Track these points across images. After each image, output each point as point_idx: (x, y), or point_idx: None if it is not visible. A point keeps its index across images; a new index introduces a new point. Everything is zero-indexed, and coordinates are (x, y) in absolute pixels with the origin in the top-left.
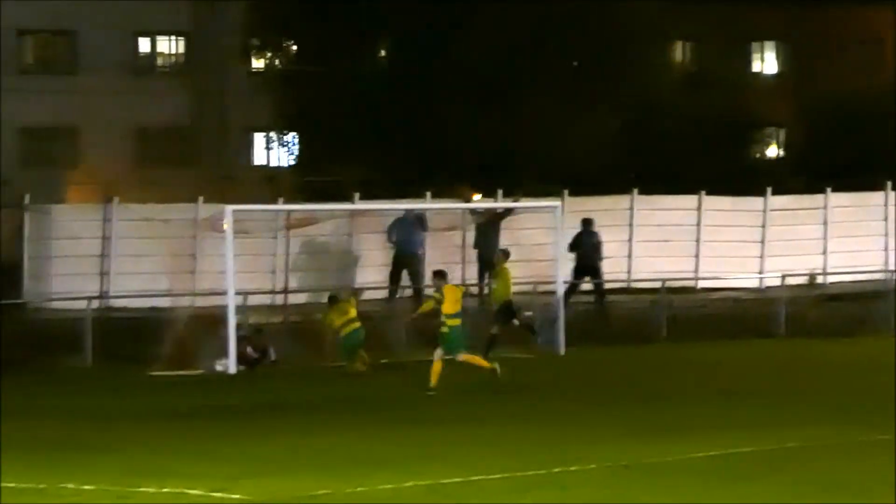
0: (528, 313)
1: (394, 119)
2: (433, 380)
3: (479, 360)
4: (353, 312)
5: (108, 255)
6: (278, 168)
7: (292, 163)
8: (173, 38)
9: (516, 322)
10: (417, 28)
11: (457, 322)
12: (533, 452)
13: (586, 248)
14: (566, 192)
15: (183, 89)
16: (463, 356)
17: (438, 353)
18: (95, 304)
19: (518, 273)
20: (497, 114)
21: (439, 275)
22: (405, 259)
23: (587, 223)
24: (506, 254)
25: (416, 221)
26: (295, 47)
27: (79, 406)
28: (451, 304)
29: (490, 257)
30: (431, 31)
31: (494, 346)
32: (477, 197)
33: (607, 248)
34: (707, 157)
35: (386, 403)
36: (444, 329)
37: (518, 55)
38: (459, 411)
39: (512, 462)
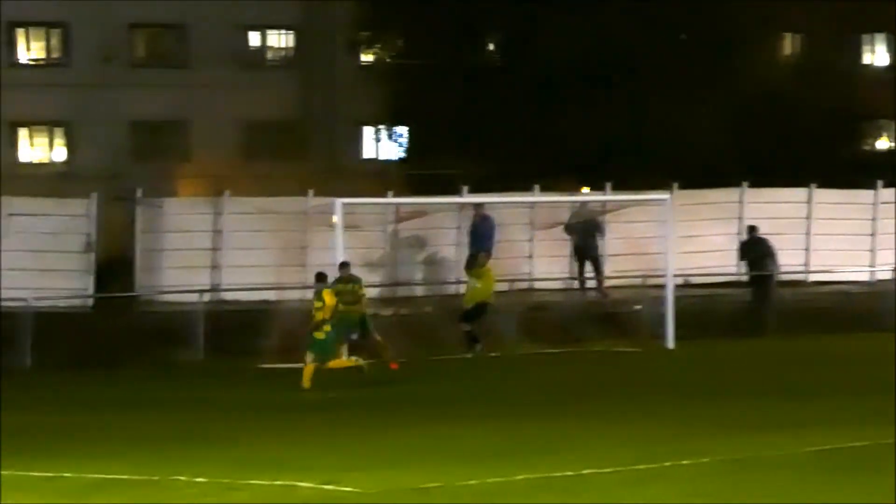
0: (638, 307)
1: (502, 112)
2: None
3: (344, 363)
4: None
5: (219, 248)
6: (387, 161)
7: (401, 156)
8: (283, 31)
9: (466, 326)
10: (526, 20)
11: (329, 329)
12: (644, 446)
13: (755, 255)
14: (676, 184)
15: (292, 83)
16: (331, 363)
17: (310, 358)
18: (207, 297)
19: (628, 266)
20: (607, 106)
21: (319, 277)
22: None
23: (752, 229)
24: (488, 254)
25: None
26: (403, 40)
27: (191, 398)
28: (330, 310)
29: (592, 255)
30: (540, 23)
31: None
32: (585, 191)
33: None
34: (817, 149)
35: (495, 397)
36: (320, 335)
37: (629, 47)
38: (569, 406)
39: (623, 456)
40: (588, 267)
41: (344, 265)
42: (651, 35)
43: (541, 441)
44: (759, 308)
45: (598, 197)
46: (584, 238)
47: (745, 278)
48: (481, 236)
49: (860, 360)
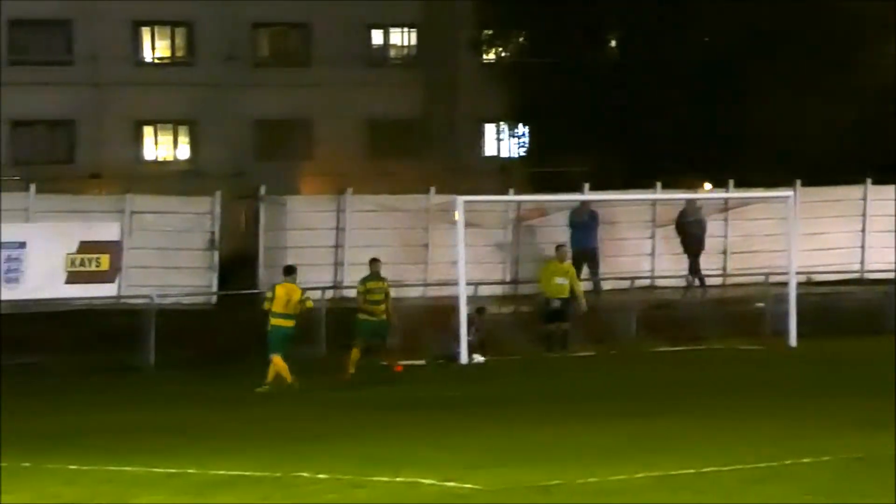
0: (760, 304)
1: (624, 109)
2: (270, 377)
3: (281, 370)
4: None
5: (341, 245)
6: (508, 159)
7: (522, 154)
8: (405, 30)
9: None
10: (648, 19)
11: (281, 322)
12: (765, 444)
13: None
14: (799, 181)
15: (414, 81)
16: (273, 357)
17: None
18: (329, 294)
19: (750, 263)
20: (729, 104)
21: (287, 270)
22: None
23: None
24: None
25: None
26: (525, 38)
27: (312, 396)
28: (279, 304)
29: (695, 252)
30: (662, 21)
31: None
32: (707, 187)
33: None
34: None
35: (615, 395)
36: (268, 327)
37: (750, 45)
38: (689, 404)
39: (744, 454)
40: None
41: (374, 261)
42: (774, 30)
43: (662, 439)
44: None
45: (720, 194)
46: (691, 236)
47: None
48: (584, 231)
49: None
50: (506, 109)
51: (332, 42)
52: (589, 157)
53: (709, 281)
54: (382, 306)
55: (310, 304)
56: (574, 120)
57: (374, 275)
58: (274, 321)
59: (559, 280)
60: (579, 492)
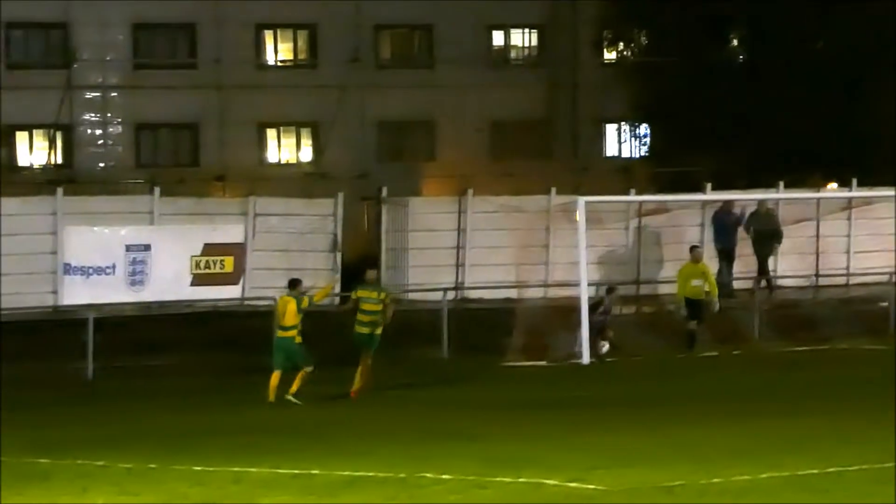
0: (884, 303)
1: (746, 108)
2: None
3: (273, 383)
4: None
5: (462, 246)
6: (630, 159)
7: (644, 154)
8: (526, 30)
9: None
10: (772, 17)
11: (284, 335)
12: (889, 444)
13: None
14: None
15: (536, 82)
16: (275, 372)
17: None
18: (451, 295)
19: (875, 263)
20: (853, 101)
21: (292, 284)
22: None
23: None
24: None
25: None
26: (647, 38)
27: (436, 396)
28: (285, 316)
29: (764, 255)
30: (787, 19)
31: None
32: (832, 186)
33: None
34: None
35: (740, 396)
36: (274, 339)
37: (876, 43)
38: (815, 404)
39: (870, 454)
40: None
41: (370, 269)
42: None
43: (786, 439)
44: None
45: (843, 193)
46: (761, 239)
47: None
48: (722, 230)
49: None
50: (627, 109)
51: (454, 43)
52: (711, 157)
53: (832, 280)
54: (376, 317)
55: (316, 298)
56: (696, 119)
57: (369, 283)
58: (279, 333)
59: (695, 282)
60: (704, 492)
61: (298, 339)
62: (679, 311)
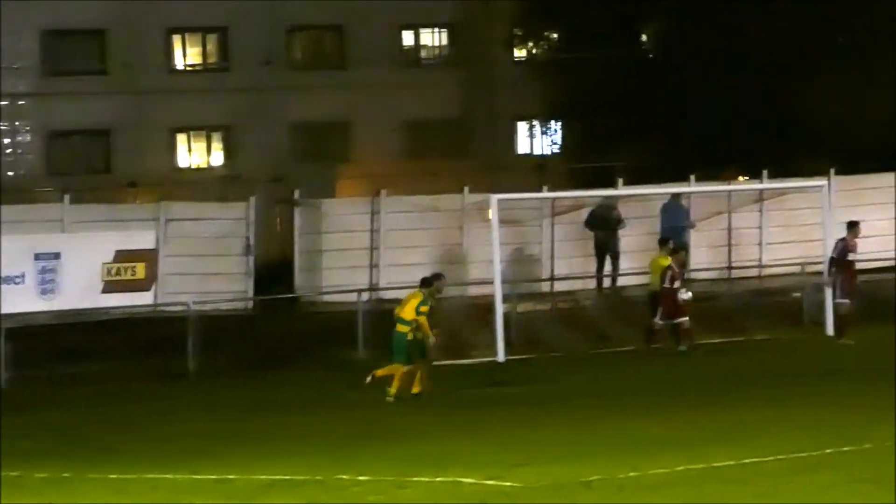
0: (797, 294)
1: (658, 103)
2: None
3: (390, 372)
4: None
5: (377, 247)
6: (543, 156)
7: (557, 151)
8: (437, 30)
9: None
10: (681, 10)
11: (400, 329)
12: (805, 434)
13: None
14: (833, 170)
15: (449, 81)
16: (393, 366)
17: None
18: (366, 296)
19: (787, 254)
20: (763, 95)
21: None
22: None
23: None
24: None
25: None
26: (558, 35)
27: (353, 397)
28: (405, 310)
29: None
30: (694, 13)
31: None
32: (742, 179)
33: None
34: None
35: (658, 389)
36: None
37: (789, 37)
38: (732, 395)
39: (785, 444)
40: (608, 264)
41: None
42: (809, 18)
43: (703, 431)
44: None
45: (755, 185)
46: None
47: None
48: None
49: None
50: (541, 106)
51: (366, 44)
52: (624, 152)
53: (745, 273)
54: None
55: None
56: (609, 115)
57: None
58: (398, 327)
59: None
60: (622, 486)
61: (410, 336)
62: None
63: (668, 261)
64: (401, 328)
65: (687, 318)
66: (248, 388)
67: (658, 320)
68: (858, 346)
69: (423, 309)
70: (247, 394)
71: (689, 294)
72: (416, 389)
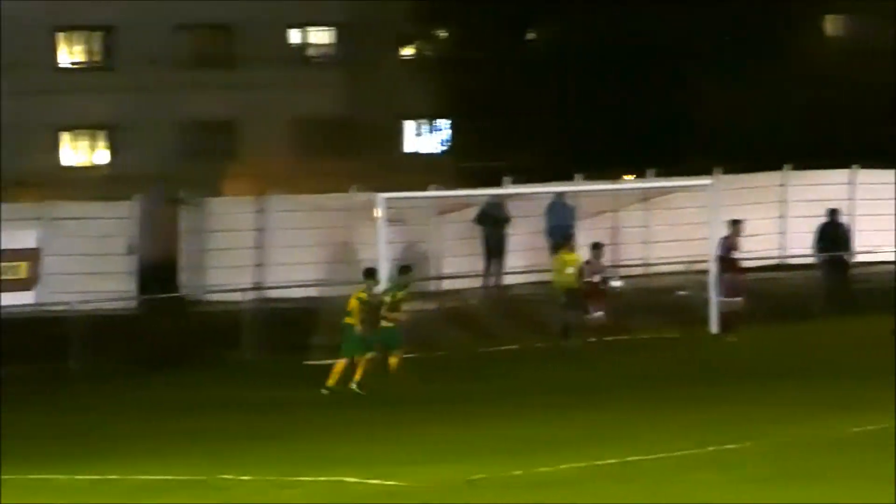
0: (682, 292)
1: (546, 102)
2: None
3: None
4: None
5: (262, 246)
6: (432, 155)
7: (447, 149)
8: (325, 29)
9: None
10: (569, 9)
11: (348, 320)
12: (689, 433)
13: (833, 238)
14: (719, 169)
15: (337, 80)
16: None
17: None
18: (252, 295)
19: (673, 252)
20: (650, 95)
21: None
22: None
23: (833, 213)
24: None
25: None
26: (448, 34)
27: (238, 397)
28: (350, 301)
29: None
30: (583, 11)
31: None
32: (628, 178)
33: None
34: (862, 130)
35: (542, 388)
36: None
37: (674, 36)
38: (616, 394)
39: (668, 443)
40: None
41: (407, 270)
42: (695, 19)
43: (588, 430)
44: (839, 289)
45: (641, 184)
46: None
47: (808, 261)
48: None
49: None
50: (430, 105)
51: (254, 43)
52: (512, 151)
53: (632, 271)
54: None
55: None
56: (496, 114)
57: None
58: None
59: (570, 270)
60: (506, 485)
61: (359, 327)
62: (559, 299)
63: (572, 257)
64: (348, 320)
65: (603, 314)
66: (132, 388)
67: (593, 314)
68: (743, 344)
69: (361, 295)
70: (131, 394)
71: (620, 282)
72: (356, 377)
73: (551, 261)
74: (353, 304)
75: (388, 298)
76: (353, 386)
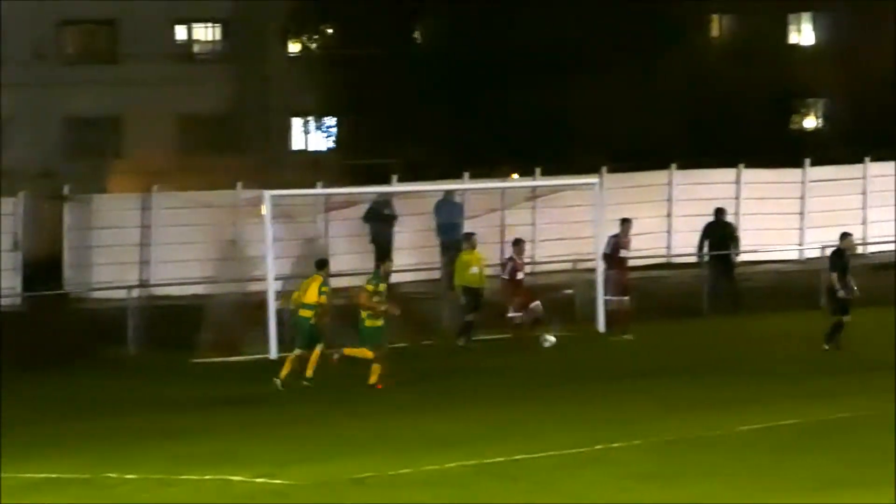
0: (569, 291)
1: (434, 100)
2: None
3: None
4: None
5: (149, 243)
6: (320, 152)
7: (335, 146)
8: (211, 25)
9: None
10: (457, 10)
11: (304, 314)
12: (577, 431)
13: (719, 236)
14: (605, 168)
15: (223, 76)
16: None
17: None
18: (137, 292)
19: (559, 251)
20: (538, 92)
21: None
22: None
23: (719, 212)
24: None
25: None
26: (333, 31)
27: (124, 395)
28: (306, 294)
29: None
30: (473, 11)
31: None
32: (515, 176)
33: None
34: (748, 129)
35: (431, 386)
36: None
37: (562, 34)
38: (505, 392)
39: (555, 441)
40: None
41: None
42: (581, 18)
43: (476, 428)
44: (726, 287)
45: (528, 182)
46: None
47: (694, 259)
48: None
49: (792, 338)
50: (317, 102)
51: (139, 38)
52: (400, 149)
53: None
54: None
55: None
56: (384, 112)
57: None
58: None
59: (473, 270)
60: (393, 483)
61: (314, 321)
62: (459, 299)
63: (475, 256)
64: (304, 313)
65: (539, 303)
66: (16, 385)
67: (513, 313)
68: (631, 342)
69: (325, 290)
70: (14, 392)
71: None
72: (308, 373)
73: (441, 259)
74: (314, 296)
75: (370, 288)
76: (305, 382)
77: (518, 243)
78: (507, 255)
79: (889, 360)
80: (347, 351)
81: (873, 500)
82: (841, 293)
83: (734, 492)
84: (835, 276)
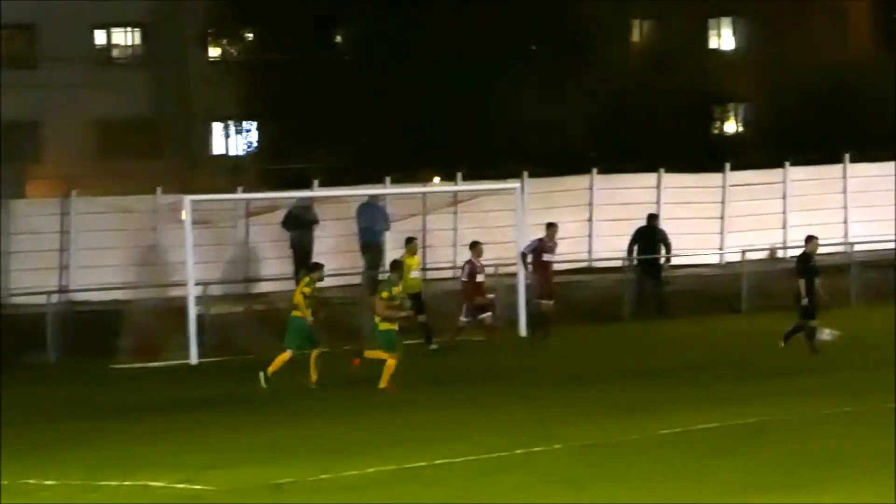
0: (491, 295)
1: (354, 105)
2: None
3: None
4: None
5: (66, 249)
6: (240, 157)
7: (255, 151)
8: (129, 29)
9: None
10: (378, 14)
11: (296, 314)
12: (498, 435)
13: (649, 241)
14: (526, 173)
15: (143, 81)
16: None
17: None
18: (56, 298)
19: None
20: (459, 97)
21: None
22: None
23: (651, 217)
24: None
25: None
26: (254, 36)
27: (41, 401)
28: (295, 295)
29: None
30: (393, 16)
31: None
32: (436, 181)
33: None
34: (669, 134)
35: (351, 391)
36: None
37: (482, 39)
38: (423, 396)
39: (477, 445)
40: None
41: (397, 268)
42: (501, 23)
43: (397, 433)
44: (652, 291)
45: (449, 188)
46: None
47: (616, 264)
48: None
49: (712, 342)
50: (236, 107)
51: (58, 43)
52: (321, 153)
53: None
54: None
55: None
56: (304, 116)
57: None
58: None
59: (414, 274)
60: (312, 488)
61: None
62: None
63: (415, 260)
64: (295, 313)
65: (490, 314)
66: None
67: (464, 318)
68: (553, 346)
69: (305, 290)
70: None
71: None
72: (313, 377)
73: (363, 261)
74: (298, 297)
75: (385, 295)
76: (311, 384)
77: (475, 245)
78: (465, 259)
79: (807, 365)
80: (368, 353)
81: (791, 502)
82: (804, 301)
83: (652, 495)
84: (802, 282)
